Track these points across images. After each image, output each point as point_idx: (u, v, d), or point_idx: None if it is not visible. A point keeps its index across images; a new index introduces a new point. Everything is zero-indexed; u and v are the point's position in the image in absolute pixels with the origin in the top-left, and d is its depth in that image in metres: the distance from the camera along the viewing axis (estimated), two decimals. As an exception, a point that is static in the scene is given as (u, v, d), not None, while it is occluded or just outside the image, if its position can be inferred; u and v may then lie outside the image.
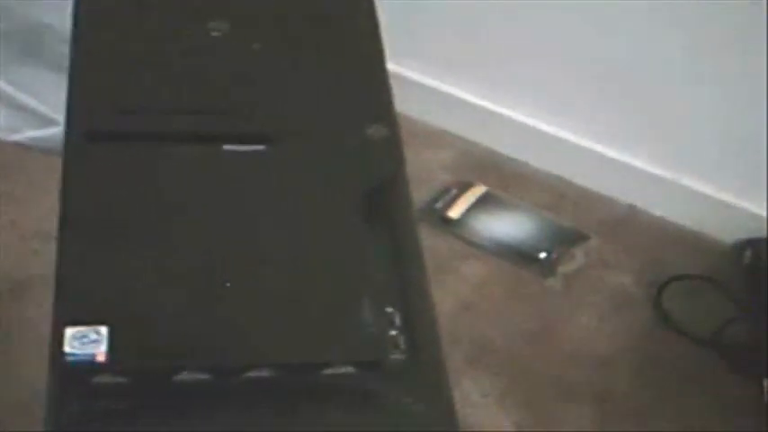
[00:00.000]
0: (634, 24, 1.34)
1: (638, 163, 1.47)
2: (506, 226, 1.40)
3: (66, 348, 0.71)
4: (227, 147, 0.88)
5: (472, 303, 1.31)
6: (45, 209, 1.26)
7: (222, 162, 0.88)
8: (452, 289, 1.32)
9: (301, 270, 0.82)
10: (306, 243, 0.84)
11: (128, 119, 0.88)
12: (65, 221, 0.80)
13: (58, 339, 0.72)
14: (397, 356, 0.80)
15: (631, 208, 1.49)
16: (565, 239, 1.41)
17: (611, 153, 1.47)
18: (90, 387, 0.73)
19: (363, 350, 0.79)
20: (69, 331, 0.72)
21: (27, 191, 1.33)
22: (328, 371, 0.78)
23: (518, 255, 1.38)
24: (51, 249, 1.24)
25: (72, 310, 0.75)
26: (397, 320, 0.82)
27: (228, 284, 0.80)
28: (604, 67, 1.40)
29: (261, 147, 0.90)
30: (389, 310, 0.82)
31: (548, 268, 1.38)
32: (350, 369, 0.78)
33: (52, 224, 1.28)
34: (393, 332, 0.81)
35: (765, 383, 1.30)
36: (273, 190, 0.88)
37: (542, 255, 1.37)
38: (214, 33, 0.99)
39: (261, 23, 1.00)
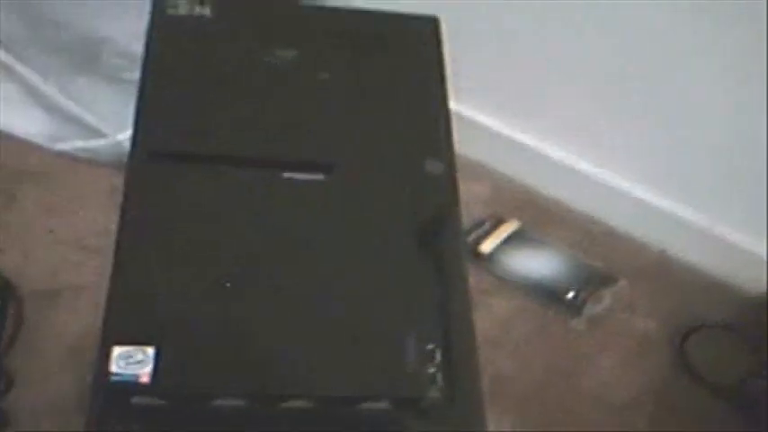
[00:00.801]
0: (676, 65, 1.34)
1: (672, 208, 1.46)
2: (536, 263, 1.41)
3: (113, 368, 0.73)
4: (286, 174, 0.89)
5: (496, 339, 1.32)
6: (84, 220, 1.30)
7: (281, 189, 0.88)
8: (478, 323, 1.33)
9: (347, 301, 0.83)
10: (355, 274, 0.85)
11: (191, 141, 0.89)
12: (122, 239, 0.82)
13: (105, 358, 0.74)
14: (434, 394, 0.80)
15: (662, 253, 1.49)
16: (593, 281, 1.41)
17: (647, 196, 1.47)
18: (130, 407, 0.74)
19: (402, 386, 0.80)
20: (117, 350, 0.74)
21: (68, 201, 1.33)
22: (365, 405, 0.79)
23: (546, 293, 1.39)
24: (86, 260, 1.28)
25: (121, 329, 0.76)
26: (438, 357, 0.81)
27: (275, 312, 0.80)
28: (646, 109, 1.40)
29: (319, 176, 0.90)
30: (431, 346, 0.82)
31: (574, 309, 1.38)
32: (386, 405, 0.79)
33: (90, 236, 1.32)
34: (432, 369, 0.81)
35: (784, 440, 1.30)
36: (328, 220, 0.88)
37: (570, 295, 1.38)
38: (282, 61, 1.00)
39: (328, 52, 1.01)
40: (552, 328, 1.38)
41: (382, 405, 0.79)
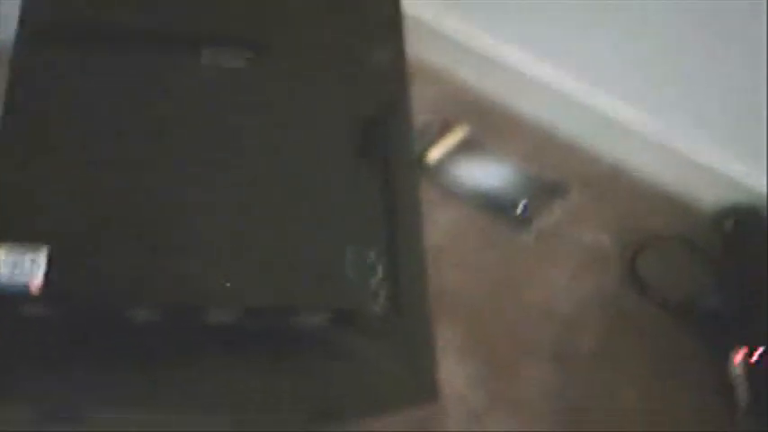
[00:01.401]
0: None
1: (627, 118, 1.39)
2: (485, 174, 1.34)
3: None
4: (207, 53, 0.75)
5: (441, 251, 1.26)
6: None
7: (201, 74, 0.74)
8: (424, 235, 1.27)
9: (279, 203, 0.72)
10: (291, 175, 0.73)
11: (86, 14, 0.73)
12: (6, 126, 0.69)
13: None
14: (376, 308, 0.72)
15: (615, 166, 1.43)
16: (543, 192, 1.35)
17: (602, 105, 1.40)
18: (20, 319, 0.63)
19: (340, 298, 0.71)
20: (2, 251, 0.62)
21: None
22: (298, 319, 0.69)
23: (494, 205, 1.32)
24: None
25: (7, 225, 0.64)
26: (381, 269, 0.72)
27: (193, 214, 0.69)
28: (605, 14, 1.32)
29: (246, 56, 0.76)
30: (374, 257, 0.72)
31: (523, 221, 1.32)
32: (323, 319, 0.70)
33: None
34: (374, 281, 0.72)
35: (732, 356, 1.28)
36: (254, 107, 0.75)
37: (519, 207, 1.32)
38: None
39: None
40: (500, 241, 1.32)
41: (318, 319, 0.70)
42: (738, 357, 1.27)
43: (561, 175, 1.39)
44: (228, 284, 0.68)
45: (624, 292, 1.34)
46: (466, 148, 1.35)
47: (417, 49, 1.35)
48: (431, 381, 0.76)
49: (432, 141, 1.34)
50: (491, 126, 1.40)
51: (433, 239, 1.27)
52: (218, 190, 0.72)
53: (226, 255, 0.69)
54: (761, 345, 1.26)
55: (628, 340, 1.32)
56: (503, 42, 1.41)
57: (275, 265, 0.70)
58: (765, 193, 1.36)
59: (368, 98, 0.79)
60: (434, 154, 1.33)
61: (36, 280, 0.63)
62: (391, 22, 0.85)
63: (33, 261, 0.62)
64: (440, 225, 1.31)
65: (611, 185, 1.42)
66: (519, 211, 1.32)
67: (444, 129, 1.36)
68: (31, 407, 0.70)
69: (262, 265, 0.70)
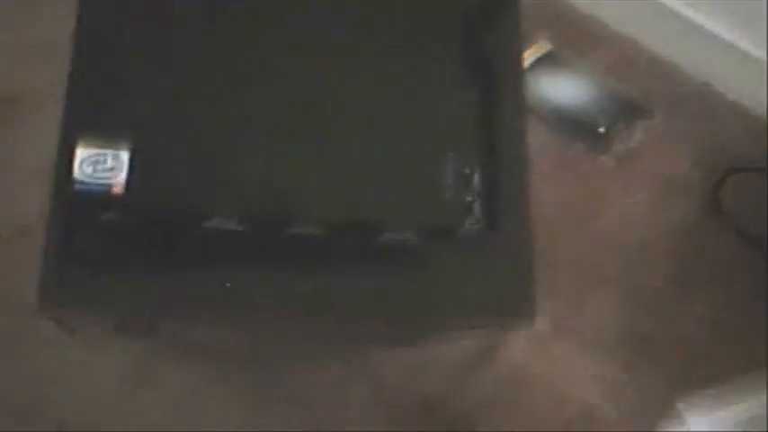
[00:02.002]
0: None
1: (723, 34, 1.30)
2: (567, 91, 1.27)
3: (77, 174, 0.58)
4: None
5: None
6: (48, 18, 1.14)
7: None
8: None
9: (371, 112, 0.67)
10: (382, 77, 0.68)
11: None
12: (83, 25, 0.65)
13: (66, 161, 0.59)
14: (470, 225, 0.67)
15: (706, 86, 1.34)
16: (626, 113, 1.28)
17: (696, 18, 1.30)
18: (100, 225, 0.60)
19: (431, 214, 0.67)
20: (82, 152, 0.58)
21: None
22: (386, 236, 0.66)
23: (574, 124, 1.26)
24: (49, 61, 1.14)
25: (87, 126, 0.60)
26: (477, 183, 0.67)
27: (283, 122, 0.65)
28: None
29: None
30: (468, 170, 0.67)
31: (603, 144, 1.26)
32: (411, 236, 0.66)
33: (55, 35, 1.16)
34: (470, 197, 0.67)
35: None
36: (348, 6, 0.70)
37: (600, 129, 1.25)
38: None
39: None
40: (578, 163, 1.27)
41: (406, 236, 0.66)
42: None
43: (646, 94, 1.31)
44: (316, 198, 0.64)
45: (703, 222, 1.28)
46: (547, 62, 1.28)
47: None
48: (527, 302, 0.72)
49: (513, 54, 1.27)
50: (574, 38, 1.32)
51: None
52: (308, 99, 0.67)
53: (313, 166, 0.65)
54: None
55: (701, 272, 1.27)
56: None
57: (364, 177, 0.66)
58: None
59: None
60: (514, 67, 1.27)
61: (118, 181, 0.59)
62: None
63: (115, 162, 0.59)
64: (515, 143, 1.25)
65: (699, 107, 1.34)
66: (600, 131, 1.26)
67: (528, 40, 1.29)
68: (106, 313, 0.69)
69: (350, 178, 0.65)
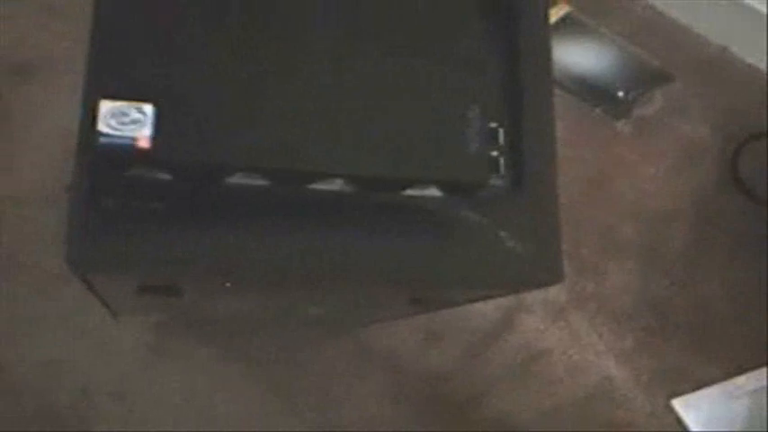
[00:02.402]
0: None
1: (742, -1, 1.28)
2: (585, 56, 1.24)
3: (102, 127, 0.57)
4: None
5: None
6: None
7: None
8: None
9: (394, 63, 0.65)
10: (401, 24, 0.67)
11: None
12: None
13: (90, 114, 0.58)
14: (495, 181, 0.66)
15: (725, 51, 1.32)
16: (646, 79, 1.26)
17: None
18: (125, 180, 0.60)
19: (455, 169, 0.65)
20: (106, 105, 0.57)
21: None
22: (411, 191, 0.65)
23: (593, 89, 1.24)
24: (62, 27, 1.11)
25: (110, 80, 0.59)
26: (502, 138, 0.66)
27: (306, 75, 0.64)
28: None
29: None
30: (494, 125, 0.66)
31: (622, 109, 1.24)
32: (437, 191, 0.65)
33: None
34: (495, 152, 0.66)
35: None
36: None
37: (620, 93, 1.23)
38: None
39: None
40: (597, 129, 1.25)
41: (432, 192, 0.65)
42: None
43: (666, 59, 1.29)
44: (340, 152, 0.63)
45: (722, 190, 1.27)
46: (566, 26, 1.25)
47: None
48: (555, 260, 0.71)
49: (530, 17, 1.25)
50: (594, 2, 1.29)
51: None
52: (331, 52, 0.65)
53: (337, 121, 0.64)
54: None
55: (720, 239, 1.25)
56: None
57: (388, 132, 0.64)
58: None
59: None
60: (532, 31, 1.24)
61: (143, 134, 0.58)
62: None
63: (140, 115, 0.58)
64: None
65: (718, 73, 1.32)
66: (618, 96, 1.24)
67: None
68: (131, 271, 0.67)
69: (374, 134, 0.64)
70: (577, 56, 1.24)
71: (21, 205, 1.06)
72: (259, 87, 0.62)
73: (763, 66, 1.32)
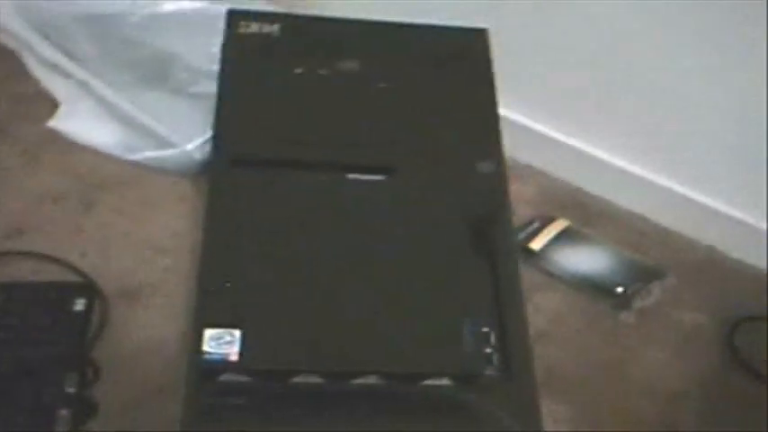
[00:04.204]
0: (729, 71, 1.38)
1: (719, 206, 1.50)
2: (586, 260, 1.45)
3: (206, 348, 0.83)
4: (351, 176, 0.99)
5: (547, 333, 1.36)
6: (157, 224, 1.36)
7: (347, 189, 0.99)
8: (529, 318, 1.37)
9: (409, 289, 0.92)
10: (416, 265, 0.94)
11: (266, 148, 1.00)
12: (208, 235, 0.93)
13: (198, 339, 0.84)
14: (491, 372, 0.89)
15: (710, 249, 1.53)
16: (642, 275, 1.45)
17: (695, 195, 1.51)
18: (220, 384, 0.84)
19: (461, 364, 0.89)
20: (208, 332, 0.84)
21: (141, 207, 1.39)
22: (427, 382, 0.88)
23: (595, 288, 1.43)
24: (160, 260, 1.35)
25: (212, 314, 0.86)
26: (493, 339, 0.91)
27: (347, 298, 0.90)
28: (697, 114, 1.44)
29: (381, 177, 1.00)
30: (486, 329, 0.91)
31: (623, 302, 1.42)
32: (447, 381, 0.88)
33: (163, 238, 1.39)
34: (488, 350, 0.90)
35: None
36: (389, 215, 0.99)
37: (619, 289, 1.42)
38: (344, 72, 1.10)
39: (386, 64, 1.10)
40: (601, 322, 1.41)
41: (443, 382, 0.87)
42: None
43: (658, 259, 1.49)
44: (375, 354, 0.86)
45: (724, 369, 1.39)
46: (567, 236, 1.48)
47: (517, 151, 1.51)
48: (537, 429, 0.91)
49: (535, 232, 1.48)
50: (590, 217, 1.53)
51: (539, 322, 1.40)
52: (363, 279, 0.92)
53: (371, 330, 0.88)
54: None
55: (729, 414, 1.38)
56: (593, 141, 1.55)
57: (407, 338, 0.89)
58: None
59: (475, 201, 0.99)
60: (538, 243, 1.46)
61: (233, 351, 0.83)
62: (493, 138, 1.04)
63: (231, 338, 0.83)
64: (545, 308, 1.41)
65: (706, 268, 1.50)
66: (618, 291, 1.43)
67: (547, 220, 1.50)
68: None
69: (399, 339, 0.88)
70: (579, 261, 1.46)
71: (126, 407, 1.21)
72: (314, 312, 0.88)
73: (747, 260, 1.52)
